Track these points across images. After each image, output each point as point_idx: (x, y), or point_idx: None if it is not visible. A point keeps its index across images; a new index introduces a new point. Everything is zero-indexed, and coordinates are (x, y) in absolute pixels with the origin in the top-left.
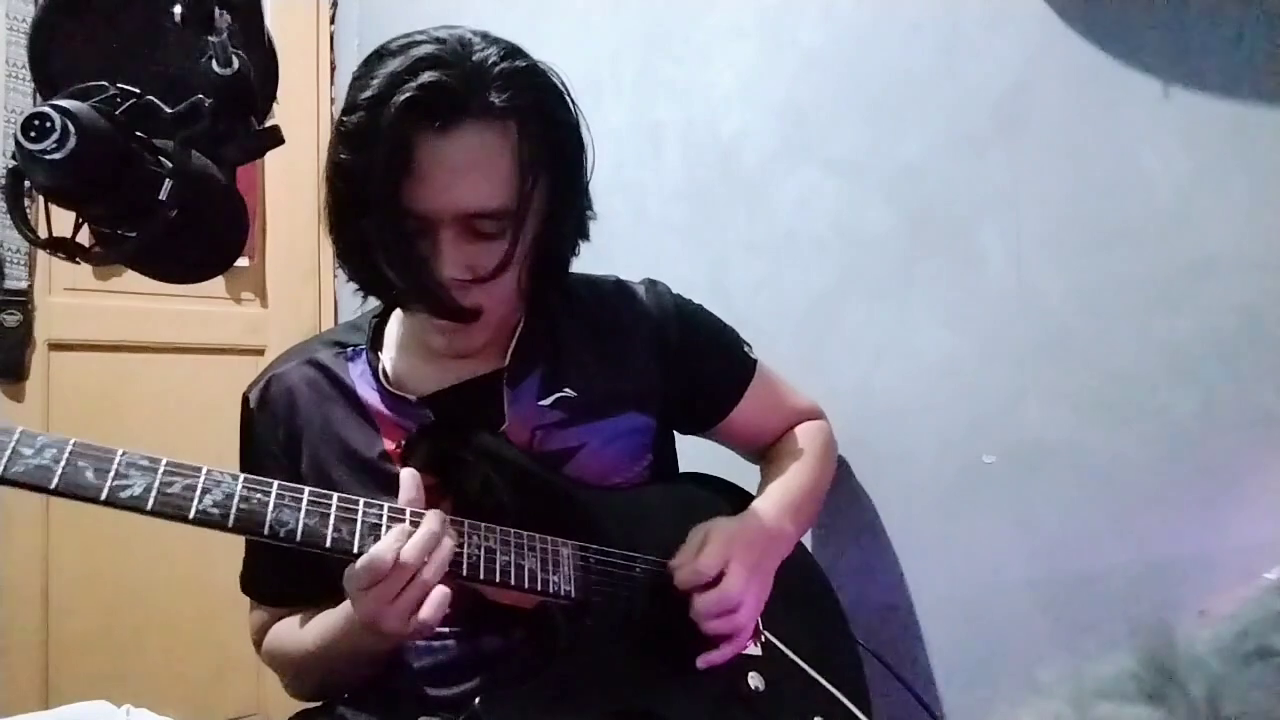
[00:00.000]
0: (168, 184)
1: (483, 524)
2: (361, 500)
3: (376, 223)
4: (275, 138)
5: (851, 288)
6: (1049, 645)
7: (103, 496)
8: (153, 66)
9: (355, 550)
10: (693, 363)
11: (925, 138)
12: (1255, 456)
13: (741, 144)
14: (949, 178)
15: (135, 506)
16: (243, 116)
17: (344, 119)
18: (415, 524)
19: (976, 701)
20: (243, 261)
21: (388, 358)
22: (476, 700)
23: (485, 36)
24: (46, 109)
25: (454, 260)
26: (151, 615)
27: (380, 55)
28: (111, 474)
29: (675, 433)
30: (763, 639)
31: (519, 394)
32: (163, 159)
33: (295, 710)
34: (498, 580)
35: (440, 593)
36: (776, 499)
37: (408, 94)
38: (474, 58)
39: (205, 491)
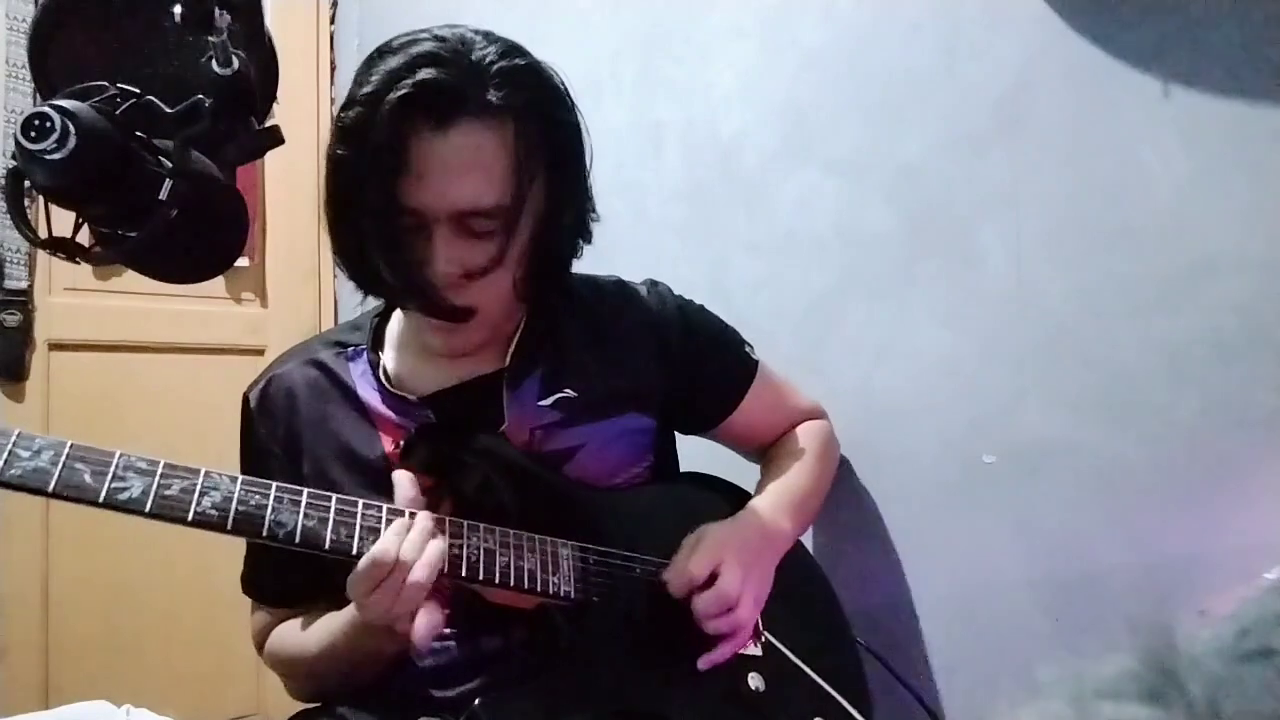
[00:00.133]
0: (168, 184)
1: (482, 525)
2: (360, 502)
3: (370, 219)
4: (275, 138)
5: (851, 288)
6: (1049, 645)
7: (101, 499)
8: (153, 66)
9: (354, 552)
10: (694, 363)
11: (925, 138)
12: (1255, 456)
13: (741, 144)
14: (949, 178)
15: (134, 509)
16: (243, 116)
17: (341, 114)
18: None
19: (976, 701)
20: (243, 261)
21: (388, 358)
22: (476, 701)
23: (488, 36)
24: (46, 109)
25: (448, 258)
26: (151, 615)
27: (382, 53)
28: (110, 476)
29: (676, 433)
30: (763, 639)
31: (519, 394)
32: (163, 159)
33: (295, 710)
34: (497, 581)
35: (430, 613)
36: (774, 497)
37: (404, 90)
38: (472, 56)
39: (204, 493)
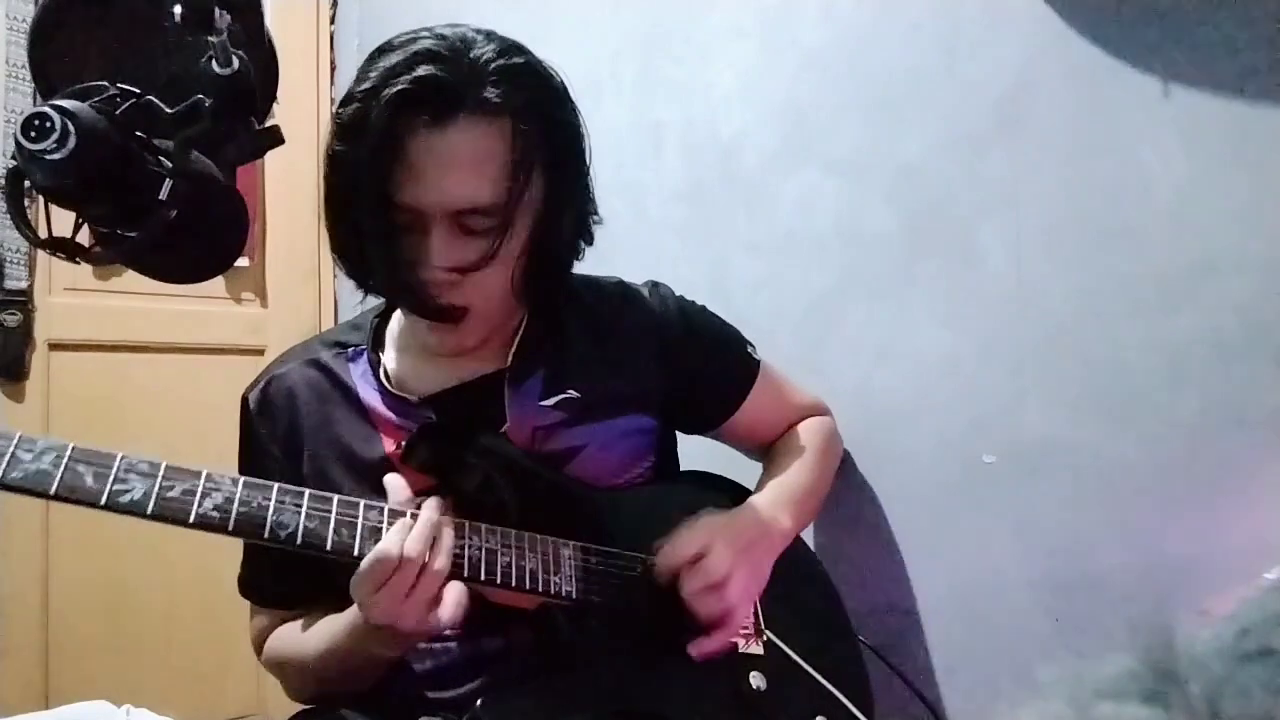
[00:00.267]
0: (168, 184)
1: (483, 525)
2: (362, 502)
3: (366, 215)
4: (275, 138)
5: (851, 288)
6: (1049, 645)
7: (102, 501)
8: (153, 66)
9: (356, 553)
10: (696, 364)
11: (925, 138)
12: (1255, 456)
13: (741, 144)
14: (949, 178)
15: (135, 511)
16: (243, 116)
17: (340, 111)
18: (415, 519)
19: (976, 701)
20: (243, 261)
21: (389, 358)
22: (478, 701)
23: (489, 35)
24: (46, 109)
25: (442, 256)
26: (151, 615)
27: (382, 50)
28: (111, 478)
29: (678, 432)
30: (764, 639)
31: (521, 394)
32: (163, 159)
33: (295, 710)
34: (499, 581)
35: (456, 589)
36: (773, 493)
37: (401, 86)
38: (471, 54)
39: (205, 495)
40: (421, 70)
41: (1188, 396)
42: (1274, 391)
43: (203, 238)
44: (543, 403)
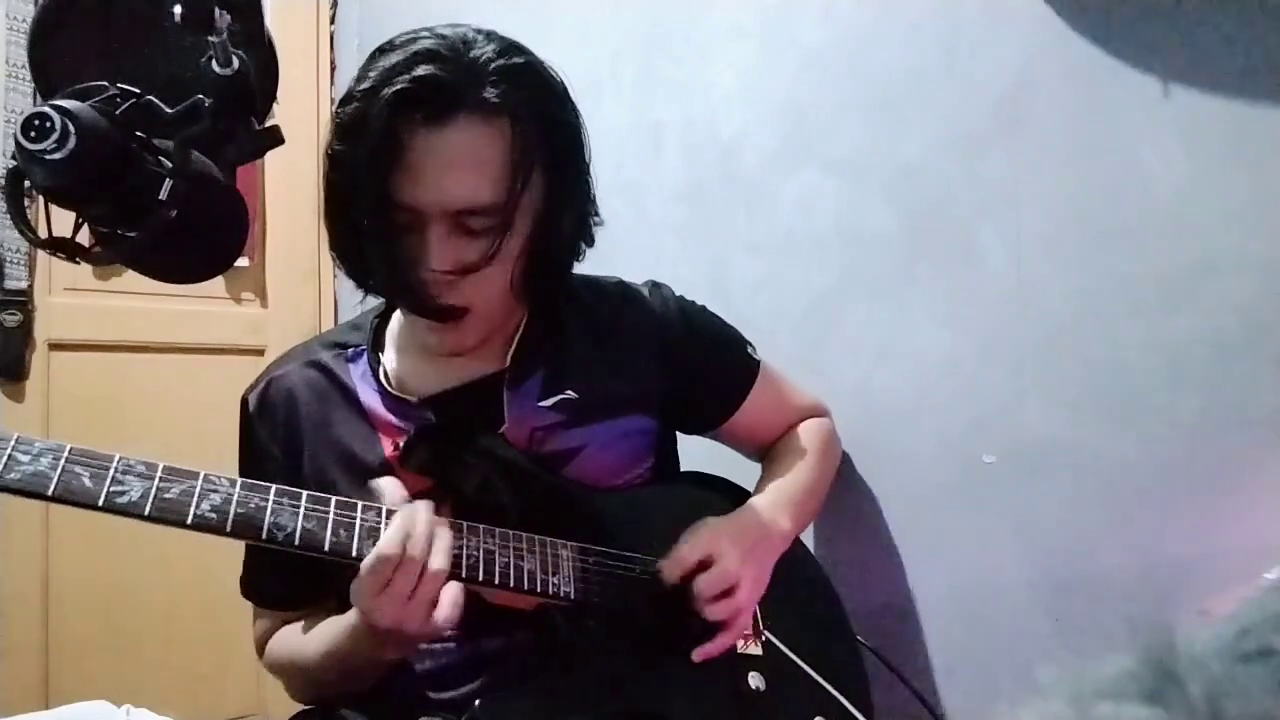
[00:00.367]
0: (168, 184)
1: (481, 526)
2: (360, 504)
3: (365, 214)
4: (275, 138)
5: (851, 288)
6: (1049, 645)
7: (100, 502)
8: (153, 66)
9: (354, 554)
10: (697, 365)
11: (925, 138)
12: (1255, 456)
13: (741, 144)
14: (949, 178)
15: (133, 512)
16: (243, 116)
17: (339, 110)
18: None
19: (976, 701)
20: (243, 261)
21: (389, 359)
22: (477, 702)
23: (489, 35)
24: (46, 109)
25: (441, 256)
26: (151, 615)
27: (383, 50)
28: (108, 480)
29: (677, 432)
30: (763, 639)
31: (520, 395)
32: (163, 159)
33: (296, 710)
34: (497, 582)
35: (454, 588)
36: (773, 495)
37: (400, 85)
38: (471, 53)
39: (203, 496)
40: (421, 70)
41: (1188, 396)
42: (1274, 391)
43: (203, 238)
44: (541, 403)
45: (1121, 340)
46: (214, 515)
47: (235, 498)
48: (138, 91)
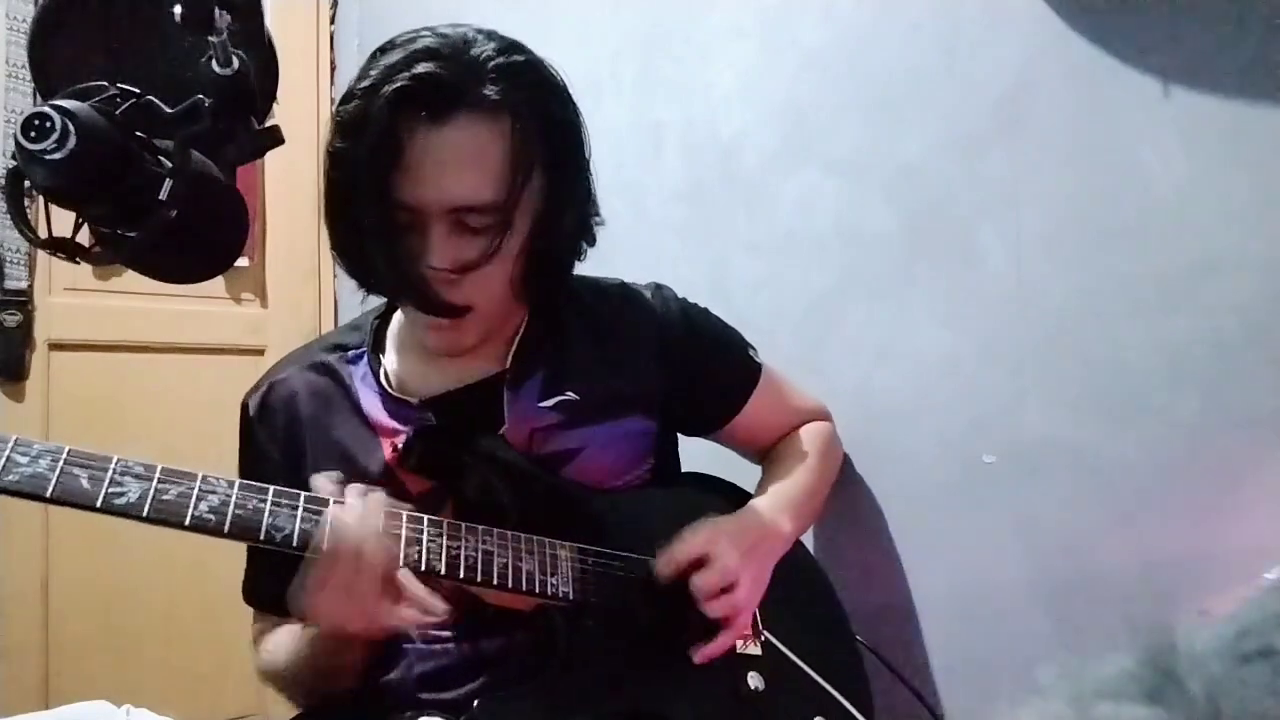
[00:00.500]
0: (168, 184)
1: (480, 526)
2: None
3: (366, 212)
4: (275, 138)
5: (851, 288)
6: (1049, 645)
7: (98, 504)
8: (153, 66)
9: None
10: (698, 367)
11: (925, 138)
12: (1255, 456)
13: (741, 144)
14: (949, 178)
15: (131, 513)
16: (243, 116)
17: (340, 108)
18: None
19: (976, 701)
20: (243, 261)
21: (389, 360)
22: (476, 702)
23: (490, 34)
24: (46, 109)
25: (442, 254)
26: (151, 615)
27: (383, 49)
28: (106, 481)
29: (678, 434)
30: (763, 639)
31: (520, 396)
32: (163, 159)
33: (296, 712)
34: (496, 583)
35: (417, 588)
36: (773, 498)
37: (400, 83)
38: (471, 52)
39: (201, 498)
40: (421, 68)
41: (1188, 396)
42: (1274, 391)
43: (203, 238)
44: (541, 404)
45: (1121, 340)
46: (212, 517)
47: (233, 499)
48: (138, 91)
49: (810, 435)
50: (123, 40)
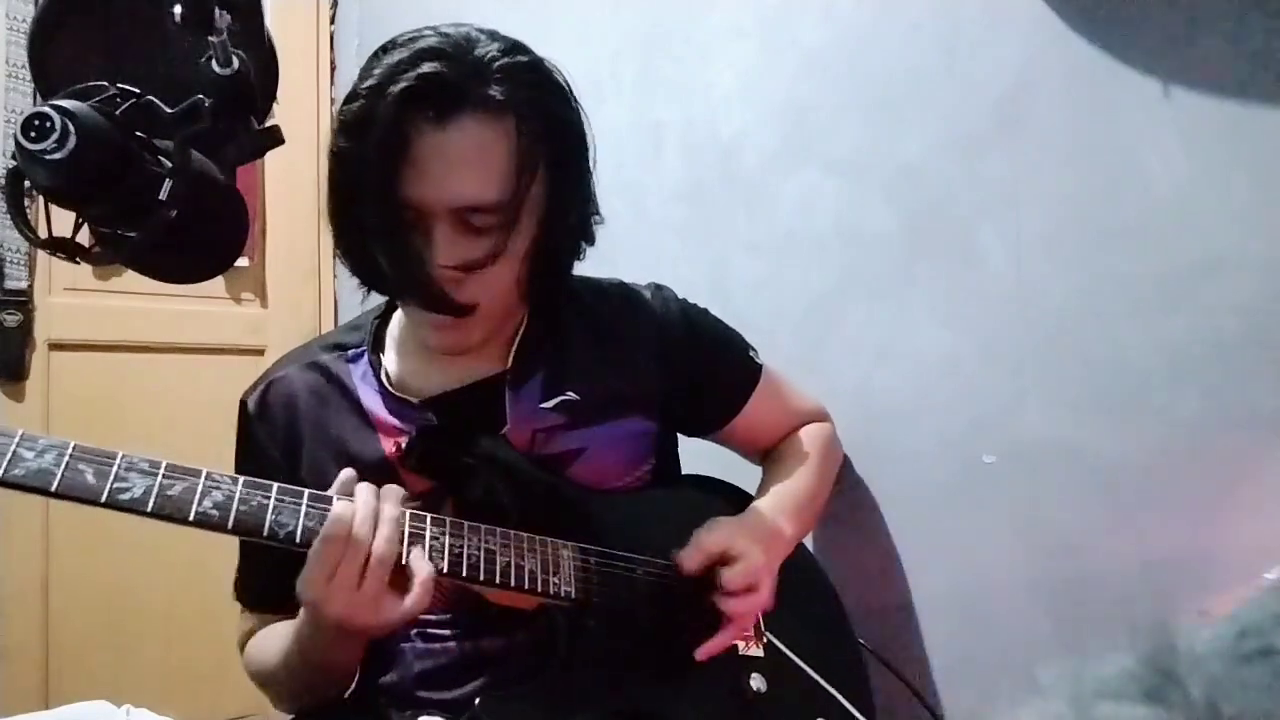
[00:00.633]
0: (168, 184)
1: (482, 526)
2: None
3: (370, 212)
4: (275, 138)
5: (851, 288)
6: (1049, 645)
7: (103, 499)
8: (153, 66)
9: None
10: (698, 368)
11: (925, 138)
12: (1255, 456)
13: (741, 144)
14: (949, 178)
15: (135, 509)
16: (243, 116)
17: (344, 108)
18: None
19: (976, 701)
20: (243, 261)
21: (389, 359)
22: (477, 701)
23: (492, 34)
24: (46, 109)
25: (447, 254)
26: (151, 615)
27: (386, 48)
28: (112, 476)
29: (678, 434)
30: (764, 640)
31: (521, 396)
32: (163, 159)
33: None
34: (498, 581)
35: (424, 573)
36: (774, 500)
37: (405, 83)
38: (475, 51)
39: (205, 493)
40: (425, 67)
41: (1188, 396)
42: (1274, 391)
43: (203, 238)
44: (543, 405)
45: (1121, 340)
46: (216, 513)
47: (237, 495)
48: (138, 91)
49: (810, 437)
50: (123, 40)
